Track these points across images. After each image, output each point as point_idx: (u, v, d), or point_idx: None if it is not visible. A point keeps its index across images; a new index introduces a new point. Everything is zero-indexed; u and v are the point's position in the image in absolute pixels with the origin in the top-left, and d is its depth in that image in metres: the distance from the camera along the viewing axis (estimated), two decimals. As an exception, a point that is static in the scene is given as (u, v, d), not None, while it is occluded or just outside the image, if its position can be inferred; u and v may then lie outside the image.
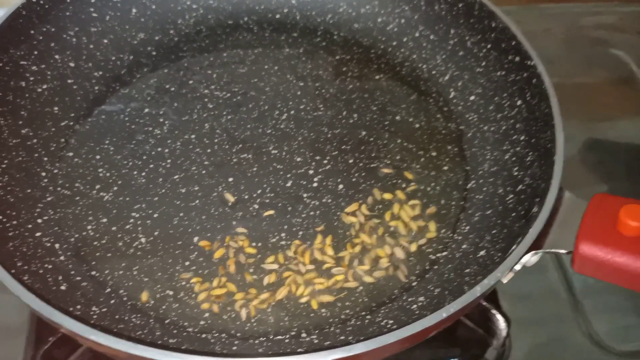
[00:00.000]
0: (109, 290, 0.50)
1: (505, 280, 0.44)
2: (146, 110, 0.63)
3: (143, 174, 0.58)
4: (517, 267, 0.44)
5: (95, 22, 0.66)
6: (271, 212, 0.56)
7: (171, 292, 0.50)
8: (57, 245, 0.52)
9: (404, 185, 0.58)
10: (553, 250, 0.45)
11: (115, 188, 0.57)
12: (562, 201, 0.47)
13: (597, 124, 0.78)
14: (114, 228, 0.54)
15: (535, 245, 0.44)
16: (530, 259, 0.45)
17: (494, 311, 0.52)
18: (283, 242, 0.54)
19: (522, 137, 0.57)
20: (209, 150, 0.60)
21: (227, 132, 0.62)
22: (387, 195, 0.57)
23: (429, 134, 0.63)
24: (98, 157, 0.59)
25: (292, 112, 0.64)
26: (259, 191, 0.57)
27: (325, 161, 0.60)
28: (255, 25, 0.72)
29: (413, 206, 0.57)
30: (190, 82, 0.66)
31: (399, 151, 0.61)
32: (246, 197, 0.57)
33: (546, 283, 0.59)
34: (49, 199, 0.55)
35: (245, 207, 0.56)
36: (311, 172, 0.59)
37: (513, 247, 0.45)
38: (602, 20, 0.90)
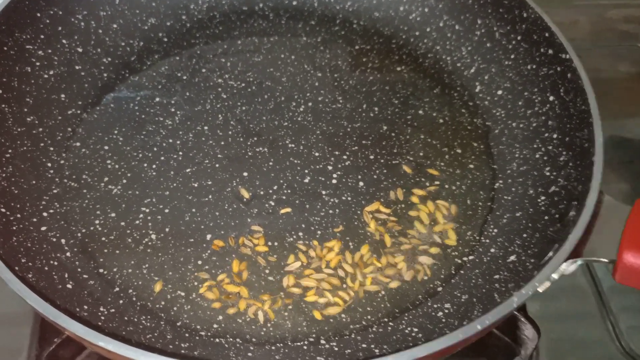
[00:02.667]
0: (117, 289, 0.47)
1: (541, 290, 0.41)
2: (157, 99, 0.60)
3: (153, 166, 0.55)
4: (555, 276, 0.41)
5: (105, 5, 0.63)
6: (288, 209, 0.53)
7: (183, 293, 0.48)
8: (63, 241, 0.49)
9: (427, 184, 0.55)
10: (593, 259, 0.42)
11: (124, 181, 0.54)
12: (602, 206, 0.44)
13: (623, 120, 0.75)
14: (122, 223, 0.51)
15: (574, 253, 0.42)
16: (568, 267, 0.42)
17: (523, 319, 0.49)
18: (301, 242, 0.51)
19: (554, 135, 0.54)
20: (222, 143, 0.57)
21: (241, 124, 0.59)
22: (410, 194, 0.55)
23: (453, 129, 0.60)
24: (106, 147, 0.56)
25: (310, 104, 0.61)
26: (275, 187, 0.54)
27: (344, 156, 0.57)
28: (271, 12, 0.69)
29: (437, 206, 0.54)
30: (203, 70, 0.63)
31: (422, 147, 0.58)
32: (262, 193, 0.54)
33: (574, 284, 0.56)
34: (54, 191, 0.52)
35: (261, 203, 0.53)
36: (330, 167, 0.56)
37: (549, 254, 0.43)
38: (630, 13, 0.86)
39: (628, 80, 0.80)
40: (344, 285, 0.49)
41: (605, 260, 0.42)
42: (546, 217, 0.49)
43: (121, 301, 0.47)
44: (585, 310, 0.55)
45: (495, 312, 0.38)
